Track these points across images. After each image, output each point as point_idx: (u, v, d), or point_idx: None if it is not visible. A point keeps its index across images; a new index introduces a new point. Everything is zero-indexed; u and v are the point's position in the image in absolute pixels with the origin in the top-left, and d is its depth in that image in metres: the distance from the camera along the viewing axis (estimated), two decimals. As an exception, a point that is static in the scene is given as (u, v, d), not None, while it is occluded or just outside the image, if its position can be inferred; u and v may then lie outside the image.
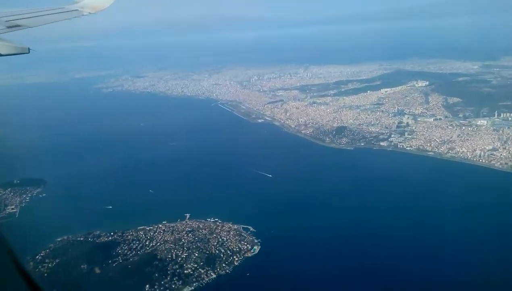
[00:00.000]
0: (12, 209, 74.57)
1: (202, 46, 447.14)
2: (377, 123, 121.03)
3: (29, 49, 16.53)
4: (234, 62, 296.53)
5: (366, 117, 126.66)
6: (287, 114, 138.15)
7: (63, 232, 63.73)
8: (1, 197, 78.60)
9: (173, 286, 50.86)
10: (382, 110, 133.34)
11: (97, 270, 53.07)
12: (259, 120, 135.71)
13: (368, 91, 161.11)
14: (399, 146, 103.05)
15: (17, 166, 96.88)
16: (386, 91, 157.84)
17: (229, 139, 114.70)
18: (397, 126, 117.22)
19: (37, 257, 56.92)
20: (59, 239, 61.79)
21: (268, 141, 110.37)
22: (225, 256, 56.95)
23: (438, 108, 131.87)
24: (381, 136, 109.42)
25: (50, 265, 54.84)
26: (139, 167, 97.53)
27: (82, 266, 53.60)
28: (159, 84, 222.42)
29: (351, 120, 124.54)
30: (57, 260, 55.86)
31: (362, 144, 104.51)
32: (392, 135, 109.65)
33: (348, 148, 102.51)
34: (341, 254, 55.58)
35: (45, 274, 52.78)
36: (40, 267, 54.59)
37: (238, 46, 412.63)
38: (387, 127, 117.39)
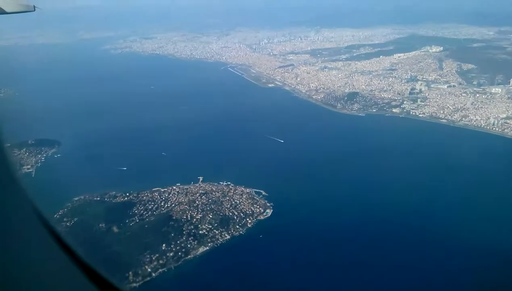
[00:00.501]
0: (28, 168, 76.02)
1: (210, 5, 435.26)
2: (390, 90, 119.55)
3: (34, 7, 16.36)
4: (243, 23, 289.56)
5: (379, 83, 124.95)
6: (298, 79, 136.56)
7: (80, 191, 65.06)
8: (16, 157, 79.80)
9: (188, 245, 52.41)
10: (395, 76, 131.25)
11: (115, 229, 54.75)
12: (270, 85, 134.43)
13: (381, 56, 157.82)
14: (411, 113, 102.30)
15: (31, 127, 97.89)
16: (399, 57, 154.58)
17: (240, 104, 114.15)
18: (410, 93, 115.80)
19: (55, 215, 58.51)
20: (76, 199, 63.22)
21: (278, 106, 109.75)
22: (238, 218, 58.28)
23: (452, 75, 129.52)
24: (393, 103, 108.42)
25: (68, 224, 56.53)
26: (151, 129, 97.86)
27: (100, 224, 55.22)
28: (167, 46, 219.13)
29: (363, 86, 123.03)
30: (75, 219, 57.53)
31: (374, 110, 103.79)
32: (405, 102, 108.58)
33: (360, 114, 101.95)
34: (352, 218, 56.54)
35: (65, 232, 54.45)
36: (59, 225, 56.29)
37: (247, 6, 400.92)
38: (399, 94, 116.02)
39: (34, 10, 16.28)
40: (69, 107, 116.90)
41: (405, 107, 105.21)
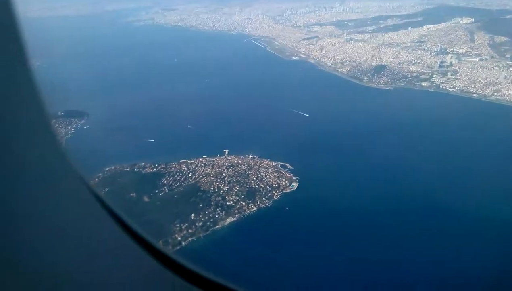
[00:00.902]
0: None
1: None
2: (418, 63, 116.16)
3: None
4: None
5: (407, 56, 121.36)
6: (323, 52, 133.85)
7: (110, 162, 66.84)
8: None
9: (216, 216, 53.69)
10: (424, 49, 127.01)
11: (146, 199, 56.43)
12: (294, 58, 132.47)
13: (409, 28, 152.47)
14: (441, 87, 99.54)
15: (59, 98, 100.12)
16: (428, 28, 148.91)
17: (263, 77, 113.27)
18: (440, 66, 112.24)
19: (88, 184, 60.67)
20: (106, 169, 65.07)
21: (303, 79, 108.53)
22: (264, 190, 59.04)
23: (483, 48, 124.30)
24: (422, 76, 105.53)
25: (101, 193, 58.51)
26: (176, 102, 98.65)
27: (131, 194, 56.95)
28: (190, 18, 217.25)
29: (391, 59, 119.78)
30: (107, 188, 59.37)
31: (402, 84, 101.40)
32: (434, 76, 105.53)
33: (387, 88, 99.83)
34: (380, 193, 56.37)
35: (98, 200, 56.56)
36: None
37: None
38: (428, 67, 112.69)
39: None
40: (95, 79, 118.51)
41: (434, 81, 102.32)
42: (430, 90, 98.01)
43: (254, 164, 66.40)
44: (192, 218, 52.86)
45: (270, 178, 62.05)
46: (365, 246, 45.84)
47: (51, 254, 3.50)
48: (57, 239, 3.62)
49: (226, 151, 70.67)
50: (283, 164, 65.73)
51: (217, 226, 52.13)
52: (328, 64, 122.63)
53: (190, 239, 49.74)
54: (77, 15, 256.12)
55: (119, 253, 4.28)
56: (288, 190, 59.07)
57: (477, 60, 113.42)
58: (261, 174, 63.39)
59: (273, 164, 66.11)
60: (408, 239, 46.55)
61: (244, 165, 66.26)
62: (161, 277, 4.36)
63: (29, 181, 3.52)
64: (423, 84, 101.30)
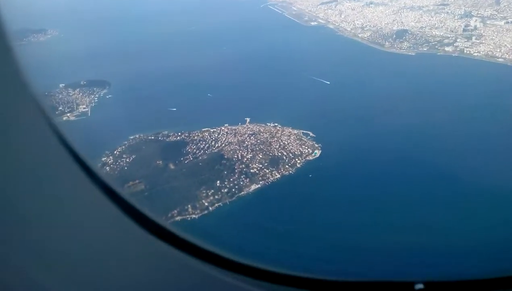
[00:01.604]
0: (84, 108, 79.86)
1: None
2: (441, 27, 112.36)
3: None
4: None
5: (429, 20, 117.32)
6: (342, 17, 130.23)
7: (134, 130, 68.15)
8: (72, 97, 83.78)
9: (241, 183, 54.97)
10: (447, 12, 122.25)
11: (172, 166, 57.87)
12: (312, 23, 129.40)
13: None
14: (465, 51, 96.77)
15: (81, 67, 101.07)
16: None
17: (282, 44, 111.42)
18: (464, 30, 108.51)
19: (115, 152, 62.41)
20: (131, 137, 66.40)
21: (322, 46, 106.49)
22: (287, 158, 59.80)
23: (510, 11, 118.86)
24: (445, 41, 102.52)
25: (128, 160, 60.21)
26: (195, 70, 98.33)
27: (157, 161, 58.44)
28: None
29: (413, 23, 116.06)
30: (133, 156, 61.01)
31: (425, 49, 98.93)
32: (458, 40, 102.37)
33: (410, 53, 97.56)
34: (404, 161, 56.54)
35: (125, 167, 58.32)
36: (119, 161, 60.20)
37: None
38: (452, 31, 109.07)
39: None
40: (113, 48, 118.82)
41: (458, 46, 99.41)
42: (453, 55, 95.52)
43: (276, 132, 66.87)
44: (218, 184, 54.24)
45: (292, 146, 62.63)
46: (390, 213, 46.55)
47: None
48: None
49: (248, 119, 71.10)
50: (305, 131, 66.03)
51: (242, 193, 53.48)
52: (348, 29, 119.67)
53: (216, 204, 51.28)
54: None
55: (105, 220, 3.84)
56: (311, 158, 59.70)
57: (503, 24, 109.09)
58: (284, 141, 63.95)
59: (295, 131, 66.45)
60: (435, 206, 46.95)
61: (266, 133, 66.81)
62: (144, 242, 3.88)
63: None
64: (446, 49, 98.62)
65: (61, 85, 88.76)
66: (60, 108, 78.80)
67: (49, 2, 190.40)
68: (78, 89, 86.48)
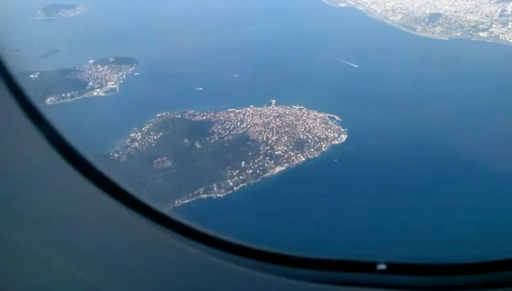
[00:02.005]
0: (112, 84, 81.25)
1: None
2: (477, 11, 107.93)
3: None
4: None
5: (464, 4, 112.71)
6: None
7: (161, 108, 69.11)
8: (101, 73, 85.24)
9: (265, 164, 55.36)
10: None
11: (198, 145, 58.67)
12: (341, 4, 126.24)
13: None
14: (501, 38, 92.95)
15: (109, 44, 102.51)
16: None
17: (310, 25, 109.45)
18: (500, 15, 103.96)
19: (143, 129, 63.61)
20: (158, 115, 67.37)
21: (351, 28, 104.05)
22: (312, 141, 59.65)
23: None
24: (480, 26, 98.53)
25: (155, 137, 61.33)
26: (221, 50, 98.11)
27: (184, 140, 59.30)
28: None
29: (446, 7, 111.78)
30: (160, 133, 62.06)
31: (459, 34, 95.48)
32: (494, 25, 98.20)
33: (443, 38, 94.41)
34: (433, 147, 55.56)
35: (153, 145, 59.49)
36: (147, 137, 61.39)
37: None
38: (487, 16, 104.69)
39: None
40: (141, 26, 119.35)
41: (493, 31, 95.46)
42: (488, 41, 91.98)
43: (301, 115, 66.61)
44: (243, 165, 54.80)
45: (318, 129, 62.35)
46: (417, 198, 46.08)
47: None
48: None
49: (273, 101, 70.95)
50: (331, 115, 65.50)
51: (267, 174, 53.94)
52: (378, 11, 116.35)
53: (241, 185, 51.98)
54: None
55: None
56: (336, 142, 59.39)
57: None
58: (309, 125, 63.71)
59: (321, 115, 65.99)
60: (464, 194, 46.05)
61: (291, 116, 66.62)
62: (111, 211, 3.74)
63: None
64: (481, 34, 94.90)
65: (90, 61, 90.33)
66: (90, 83, 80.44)
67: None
68: (106, 66, 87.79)
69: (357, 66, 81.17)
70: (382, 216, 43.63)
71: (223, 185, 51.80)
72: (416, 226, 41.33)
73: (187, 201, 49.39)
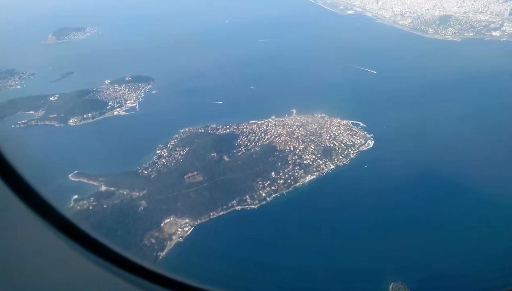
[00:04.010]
0: (132, 103, 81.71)
1: None
2: (486, 11, 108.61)
3: None
4: None
5: (472, 4, 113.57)
6: (379, 4, 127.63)
7: (183, 124, 69.39)
8: (119, 92, 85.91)
9: (296, 174, 55.16)
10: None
11: (226, 158, 58.68)
12: (349, 12, 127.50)
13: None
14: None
15: (123, 64, 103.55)
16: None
17: (320, 33, 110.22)
18: (510, 13, 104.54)
19: (168, 145, 63.81)
20: (181, 130, 67.64)
21: (363, 34, 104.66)
22: (340, 149, 59.47)
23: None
24: (492, 25, 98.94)
25: (181, 153, 61.44)
26: (235, 63, 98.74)
27: (211, 154, 59.34)
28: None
29: (455, 8, 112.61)
30: (186, 148, 62.19)
31: (471, 34, 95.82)
32: (505, 24, 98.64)
33: (455, 39, 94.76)
34: (459, 150, 55.30)
35: (180, 160, 59.54)
36: (173, 153, 61.50)
37: None
38: (497, 15, 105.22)
39: None
40: (151, 44, 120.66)
41: (506, 30, 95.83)
42: (502, 39, 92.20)
43: (324, 123, 66.63)
44: (273, 176, 54.65)
45: (343, 136, 62.26)
46: (454, 204, 45.66)
47: None
48: None
49: (294, 111, 71.09)
50: (354, 121, 65.46)
51: (298, 184, 53.68)
52: (387, 16, 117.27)
53: (274, 195, 51.72)
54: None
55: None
56: (364, 148, 59.19)
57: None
58: (334, 132, 63.66)
59: (344, 122, 65.99)
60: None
61: (314, 124, 66.67)
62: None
63: None
64: (493, 33, 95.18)
65: (106, 81, 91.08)
66: (110, 103, 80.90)
67: (84, 2, 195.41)
68: (124, 85, 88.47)
69: (374, 72, 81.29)
70: (427, 223, 43.13)
71: (256, 196, 51.60)
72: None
73: (222, 213, 49.19)
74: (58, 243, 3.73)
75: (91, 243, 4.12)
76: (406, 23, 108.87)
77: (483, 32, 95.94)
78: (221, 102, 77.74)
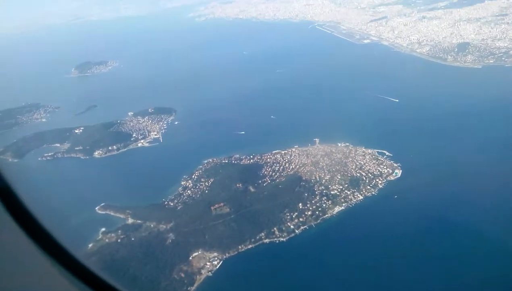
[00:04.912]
0: (155, 134, 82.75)
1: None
2: (504, 38, 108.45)
3: None
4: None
5: (490, 31, 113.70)
6: (395, 32, 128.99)
7: (207, 154, 69.60)
8: (142, 124, 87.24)
9: (323, 205, 54.14)
10: (508, 22, 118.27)
11: (252, 189, 58.23)
12: (365, 41, 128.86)
13: (486, 1, 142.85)
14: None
15: (145, 96, 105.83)
16: (508, 0, 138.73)
17: (338, 63, 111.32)
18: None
19: (193, 176, 63.87)
20: (205, 161, 67.83)
21: (381, 63, 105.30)
22: (367, 179, 58.44)
23: None
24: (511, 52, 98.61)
25: (207, 184, 61.31)
26: (254, 93, 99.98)
27: (237, 184, 59.01)
28: (249, 9, 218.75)
29: (472, 35, 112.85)
30: (211, 179, 62.09)
31: (491, 61, 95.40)
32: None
33: (476, 66, 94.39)
34: (489, 176, 53.90)
35: (206, 191, 59.34)
36: (198, 184, 61.40)
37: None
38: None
39: None
40: (172, 77, 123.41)
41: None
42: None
43: (349, 152, 65.97)
44: (300, 207, 53.76)
45: (370, 166, 61.38)
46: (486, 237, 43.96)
47: None
48: None
49: (317, 140, 70.75)
50: (379, 150, 64.65)
51: (327, 215, 52.56)
52: (404, 45, 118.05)
53: (302, 227, 50.67)
54: (140, 15, 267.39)
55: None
56: (392, 178, 58.07)
57: None
58: (359, 161, 62.85)
59: (369, 151, 65.23)
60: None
61: (338, 153, 66.05)
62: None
63: None
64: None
65: (129, 113, 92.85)
66: (134, 135, 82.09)
67: (105, 36, 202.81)
68: (147, 117, 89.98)
69: (397, 100, 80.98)
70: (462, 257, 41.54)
71: (284, 228, 50.65)
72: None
73: (251, 246, 48.27)
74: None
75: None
76: (424, 51, 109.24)
77: (503, 58, 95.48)
78: (243, 133, 78.08)
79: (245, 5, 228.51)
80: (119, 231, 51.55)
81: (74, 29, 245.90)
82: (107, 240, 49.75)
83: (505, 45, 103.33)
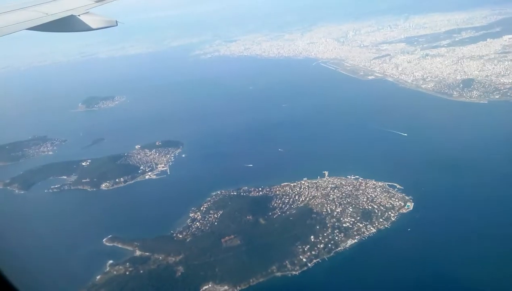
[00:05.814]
0: (163, 167, 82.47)
1: (281, 3, 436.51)
2: (508, 74, 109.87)
3: (117, 22, 17.42)
4: (322, 18, 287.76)
5: (493, 68, 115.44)
6: (399, 69, 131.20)
7: (215, 187, 69.00)
8: (149, 157, 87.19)
9: (336, 237, 52.88)
10: (511, 60, 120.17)
11: (262, 221, 57.22)
12: (369, 77, 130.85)
13: (488, 40, 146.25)
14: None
15: (151, 130, 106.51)
16: (510, 38, 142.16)
17: (344, 98, 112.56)
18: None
19: (201, 208, 62.99)
20: (213, 193, 67.14)
21: (387, 98, 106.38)
22: (379, 211, 57.39)
23: None
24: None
25: (215, 216, 60.34)
26: (260, 127, 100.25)
27: (247, 217, 58.04)
28: (253, 47, 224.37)
29: (476, 72, 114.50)
30: (220, 211, 61.15)
31: (497, 97, 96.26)
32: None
33: (482, 102, 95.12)
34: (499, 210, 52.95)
35: (215, 223, 58.25)
36: (207, 216, 60.44)
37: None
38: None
39: (117, 24, 17.70)
40: (179, 111, 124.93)
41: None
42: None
43: (359, 185, 65.23)
44: (312, 240, 52.54)
45: (381, 198, 60.46)
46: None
47: None
48: None
49: (326, 173, 70.22)
50: (390, 183, 63.90)
51: (339, 248, 51.24)
52: (409, 81, 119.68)
53: (315, 260, 49.29)
54: (146, 52, 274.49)
55: None
56: (404, 211, 57.02)
57: None
58: (370, 194, 62.01)
59: (380, 184, 64.49)
60: None
61: (349, 186, 65.33)
62: None
63: None
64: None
65: (137, 146, 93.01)
66: (141, 167, 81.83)
67: (112, 72, 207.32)
68: (154, 150, 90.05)
69: (405, 134, 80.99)
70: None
71: (296, 262, 49.23)
72: None
73: (262, 279, 46.76)
74: None
75: None
76: (429, 87, 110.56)
77: (508, 94, 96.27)
78: (251, 165, 77.70)
79: (249, 44, 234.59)
80: (127, 263, 50.21)
81: (82, 65, 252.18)
82: (115, 272, 48.35)
83: (510, 81, 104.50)
